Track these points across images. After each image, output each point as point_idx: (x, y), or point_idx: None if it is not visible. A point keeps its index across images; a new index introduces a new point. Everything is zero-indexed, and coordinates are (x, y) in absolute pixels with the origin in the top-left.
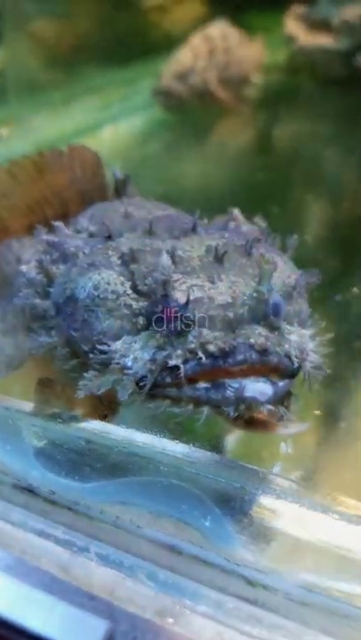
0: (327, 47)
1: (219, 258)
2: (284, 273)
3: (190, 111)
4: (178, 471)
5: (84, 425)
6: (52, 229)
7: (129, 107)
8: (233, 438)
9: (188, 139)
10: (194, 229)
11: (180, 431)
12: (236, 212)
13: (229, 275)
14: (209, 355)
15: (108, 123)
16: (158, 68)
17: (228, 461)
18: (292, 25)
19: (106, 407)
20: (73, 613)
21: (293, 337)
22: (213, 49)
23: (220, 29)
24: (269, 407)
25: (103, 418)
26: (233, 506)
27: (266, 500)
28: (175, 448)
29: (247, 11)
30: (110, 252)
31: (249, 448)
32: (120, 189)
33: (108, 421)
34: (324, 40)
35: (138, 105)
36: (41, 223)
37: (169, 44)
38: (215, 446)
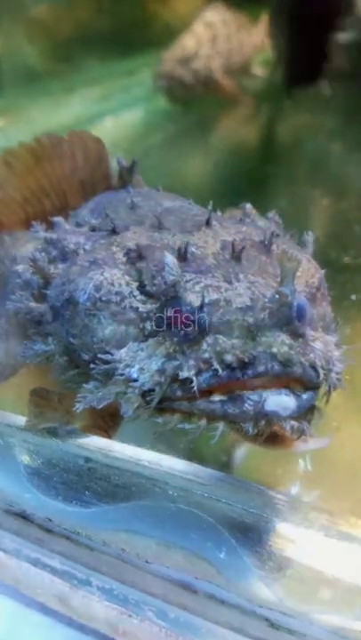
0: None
1: (236, 255)
2: (308, 272)
3: (193, 101)
4: (187, 495)
5: (82, 441)
6: (50, 225)
7: (130, 98)
8: (242, 452)
9: (191, 130)
10: (208, 223)
11: (191, 450)
12: (249, 206)
13: (248, 274)
14: (226, 366)
15: (109, 114)
16: (155, 61)
17: (242, 483)
18: None
19: (107, 421)
20: None
21: (318, 344)
22: (216, 36)
23: (220, 15)
24: (292, 423)
25: (104, 433)
26: (250, 535)
27: (285, 528)
28: (183, 467)
29: (250, 1)
30: (114, 249)
31: (261, 464)
32: (125, 178)
33: (110, 437)
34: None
35: (139, 96)
36: (38, 216)
37: (169, 35)
38: (224, 464)
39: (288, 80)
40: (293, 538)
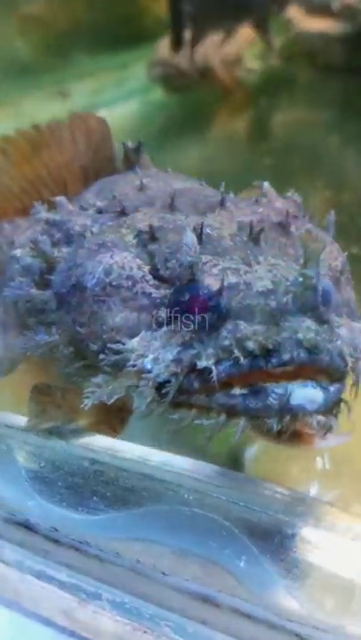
0: (327, 32)
1: (254, 236)
2: (331, 255)
3: (188, 90)
4: (202, 497)
5: (87, 441)
6: (52, 207)
7: (124, 91)
8: (254, 449)
9: (187, 122)
10: (222, 204)
11: (201, 447)
12: (267, 185)
13: (268, 256)
14: (247, 354)
15: (103, 107)
16: (148, 54)
17: (260, 484)
18: (291, 9)
19: (115, 418)
20: None
21: (344, 331)
22: None
23: None
24: (319, 418)
25: (111, 430)
26: (270, 541)
27: (308, 532)
28: (196, 468)
29: None
30: (124, 230)
31: (276, 462)
32: (132, 160)
33: (117, 434)
34: (323, 25)
35: (133, 89)
36: None
37: (161, 29)
38: (235, 461)
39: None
40: (317, 542)
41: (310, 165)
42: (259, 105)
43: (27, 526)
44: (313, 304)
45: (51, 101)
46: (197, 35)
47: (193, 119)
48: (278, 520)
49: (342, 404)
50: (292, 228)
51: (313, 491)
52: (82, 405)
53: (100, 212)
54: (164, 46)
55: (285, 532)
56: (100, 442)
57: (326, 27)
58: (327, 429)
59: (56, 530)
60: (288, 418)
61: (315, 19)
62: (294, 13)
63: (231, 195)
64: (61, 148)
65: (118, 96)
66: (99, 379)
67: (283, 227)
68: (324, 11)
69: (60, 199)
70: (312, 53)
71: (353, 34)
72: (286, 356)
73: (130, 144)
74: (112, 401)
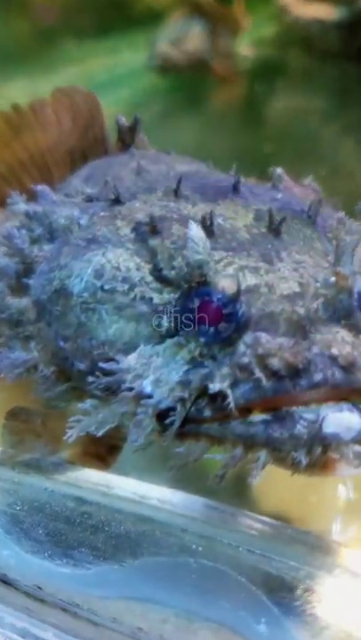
0: (323, 18)
1: (275, 228)
2: None
3: (184, 81)
4: (210, 545)
5: (73, 475)
6: (32, 196)
7: (114, 77)
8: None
9: (181, 109)
10: (235, 189)
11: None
12: (280, 171)
13: (292, 251)
14: (271, 374)
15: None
16: (139, 40)
17: (277, 527)
18: None
19: (105, 447)
20: None
21: None
22: (205, 18)
23: None
24: (356, 448)
25: (100, 462)
26: (294, 598)
27: (339, 586)
28: (202, 507)
29: None
30: (119, 222)
31: (289, 491)
32: (127, 140)
33: (108, 466)
34: (319, 11)
35: (123, 76)
36: None
37: (149, 16)
38: (239, 491)
39: None
40: (351, 599)
41: (306, 152)
42: (254, 92)
43: (4, 581)
44: (348, 310)
45: (38, 87)
46: None
47: (187, 106)
48: (301, 571)
49: None
50: (319, 218)
51: (335, 526)
52: (65, 437)
53: (89, 200)
54: (161, 39)
55: (311, 585)
56: (88, 477)
57: (322, 13)
58: (358, 460)
59: (40, 588)
60: (319, 449)
61: (310, 5)
62: (290, 0)
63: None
64: (44, 128)
65: (108, 82)
66: (86, 404)
67: (307, 216)
68: None
69: (42, 188)
70: (308, 40)
71: (349, 19)
72: (318, 377)
73: (124, 121)
74: (102, 433)
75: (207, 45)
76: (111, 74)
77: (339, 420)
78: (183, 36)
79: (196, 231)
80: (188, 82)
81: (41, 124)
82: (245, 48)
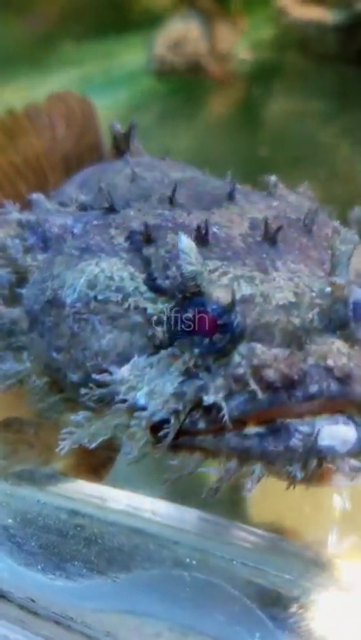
0: (321, 21)
1: (270, 237)
2: (359, 258)
3: (181, 84)
4: (204, 558)
5: (66, 487)
6: (25, 205)
7: (111, 79)
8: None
9: (179, 112)
10: (231, 197)
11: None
12: (275, 179)
13: (288, 261)
14: (266, 386)
15: (90, 95)
16: (137, 43)
17: (272, 539)
18: None
19: (98, 459)
20: None
21: None
22: (202, 21)
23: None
24: (351, 462)
25: (93, 474)
26: (288, 612)
27: (335, 598)
28: (196, 520)
29: None
30: (113, 231)
31: (282, 502)
32: (121, 146)
33: (101, 478)
34: (317, 13)
35: (121, 78)
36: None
37: (147, 19)
38: (233, 502)
39: None
40: (347, 614)
41: (304, 155)
42: (252, 95)
43: None
44: (343, 320)
45: (35, 89)
46: None
47: (185, 109)
48: (297, 584)
49: None
50: (315, 226)
51: (331, 537)
52: (57, 449)
53: (83, 208)
54: (159, 43)
55: (306, 599)
56: (82, 488)
57: (320, 15)
58: (357, 473)
59: (33, 600)
60: (315, 463)
61: (308, 7)
62: (286, 2)
63: (240, 186)
64: (39, 135)
65: (105, 85)
66: (79, 416)
67: (303, 224)
68: None
69: (37, 196)
70: (306, 42)
71: (347, 22)
72: (314, 389)
73: (119, 127)
74: (95, 445)
75: (205, 48)
76: (109, 76)
77: (334, 432)
78: (181, 40)
79: (186, 242)
80: (185, 85)
81: (35, 129)
82: (243, 51)
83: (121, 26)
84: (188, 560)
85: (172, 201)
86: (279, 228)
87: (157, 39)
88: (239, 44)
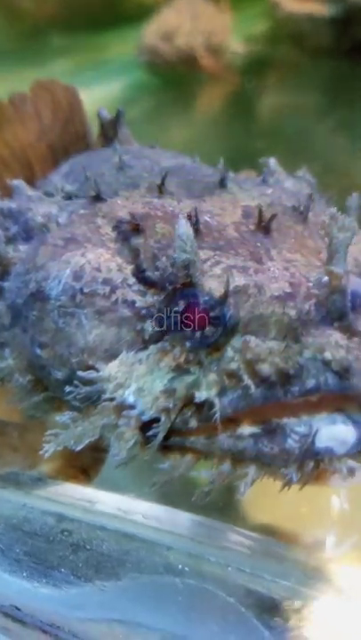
0: (315, 14)
1: (264, 225)
2: (357, 246)
3: (173, 77)
4: (197, 564)
5: (53, 491)
6: (7, 193)
7: (103, 72)
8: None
9: (171, 106)
10: (222, 184)
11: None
12: (274, 162)
13: (283, 250)
14: (261, 381)
15: (81, 88)
16: (129, 36)
17: (268, 543)
18: None
19: (87, 459)
20: None
21: None
22: (197, 14)
23: None
24: (350, 463)
25: (82, 476)
26: (286, 620)
27: (333, 605)
28: (189, 523)
29: None
30: (99, 221)
31: (278, 502)
32: (109, 134)
33: (90, 479)
34: (311, 7)
35: (113, 71)
36: None
37: (139, 13)
38: (225, 503)
39: None
40: (346, 621)
41: (298, 149)
42: (245, 89)
43: None
44: (341, 311)
45: (26, 82)
46: None
47: (177, 103)
48: (293, 591)
49: None
50: (311, 214)
51: (328, 540)
52: (41, 452)
53: (69, 197)
54: (150, 33)
55: (304, 606)
56: (69, 492)
57: (314, 9)
58: (354, 474)
59: (18, 609)
60: (311, 465)
61: (302, 1)
62: None
63: (232, 174)
64: (25, 124)
65: (97, 78)
66: (65, 417)
67: (298, 212)
68: None
69: (18, 183)
70: (300, 36)
71: (341, 15)
72: (311, 383)
73: (107, 114)
74: (81, 447)
75: (198, 40)
76: (100, 69)
77: (332, 433)
78: (173, 30)
79: (185, 228)
80: (177, 78)
81: (21, 119)
82: (237, 44)
83: (113, 19)
84: (180, 566)
85: (161, 189)
86: (273, 216)
87: (148, 29)
88: (233, 37)
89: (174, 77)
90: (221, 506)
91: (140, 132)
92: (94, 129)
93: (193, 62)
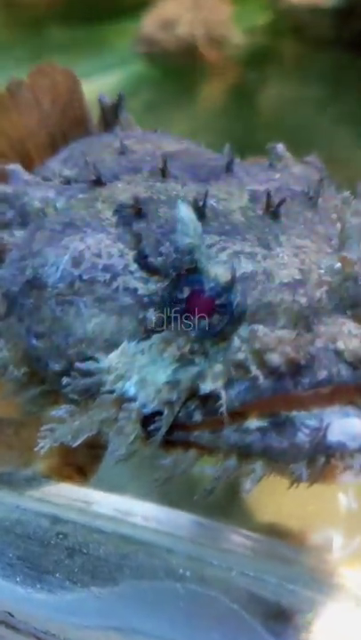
0: (316, 6)
1: (273, 210)
2: None
3: (174, 69)
4: (199, 568)
5: (48, 491)
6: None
7: (102, 65)
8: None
9: (171, 98)
10: (228, 168)
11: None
12: (282, 147)
13: (292, 236)
14: (270, 372)
15: (80, 80)
16: (127, 28)
17: (273, 545)
18: None
19: (84, 456)
20: None
21: None
22: (197, 5)
23: None
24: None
25: (78, 474)
26: (292, 627)
27: (342, 611)
28: (190, 524)
29: None
30: (100, 205)
31: (284, 501)
32: (109, 119)
33: (86, 478)
34: None
35: (111, 63)
36: None
37: (138, 5)
38: (228, 502)
39: None
40: (355, 627)
41: (300, 141)
42: (246, 81)
43: None
44: (355, 299)
45: (23, 75)
46: None
47: (177, 95)
48: (299, 596)
49: None
50: (321, 199)
51: (336, 540)
52: (37, 448)
53: (67, 182)
54: (149, 23)
55: (309, 612)
56: (65, 492)
57: (315, 0)
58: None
59: (11, 615)
60: (322, 461)
61: None
62: None
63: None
64: (23, 112)
65: (96, 70)
66: (62, 411)
67: (308, 198)
68: None
69: (14, 167)
70: (301, 28)
71: (343, 7)
72: (323, 375)
73: (107, 100)
74: (79, 443)
75: (199, 31)
76: (99, 62)
77: (345, 426)
78: (173, 20)
79: (186, 212)
80: (178, 69)
81: (18, 107)
82: (238, 36)
83: (113, 11)
84: (181, 570)
85: (164, 173)
86: (282, 201)
87: (146, 19)
88: (234, 29)
89: (174, 69)
90: (224, 505)
91: (139, 124)
92: (94, 118)
93: (193, 53)
